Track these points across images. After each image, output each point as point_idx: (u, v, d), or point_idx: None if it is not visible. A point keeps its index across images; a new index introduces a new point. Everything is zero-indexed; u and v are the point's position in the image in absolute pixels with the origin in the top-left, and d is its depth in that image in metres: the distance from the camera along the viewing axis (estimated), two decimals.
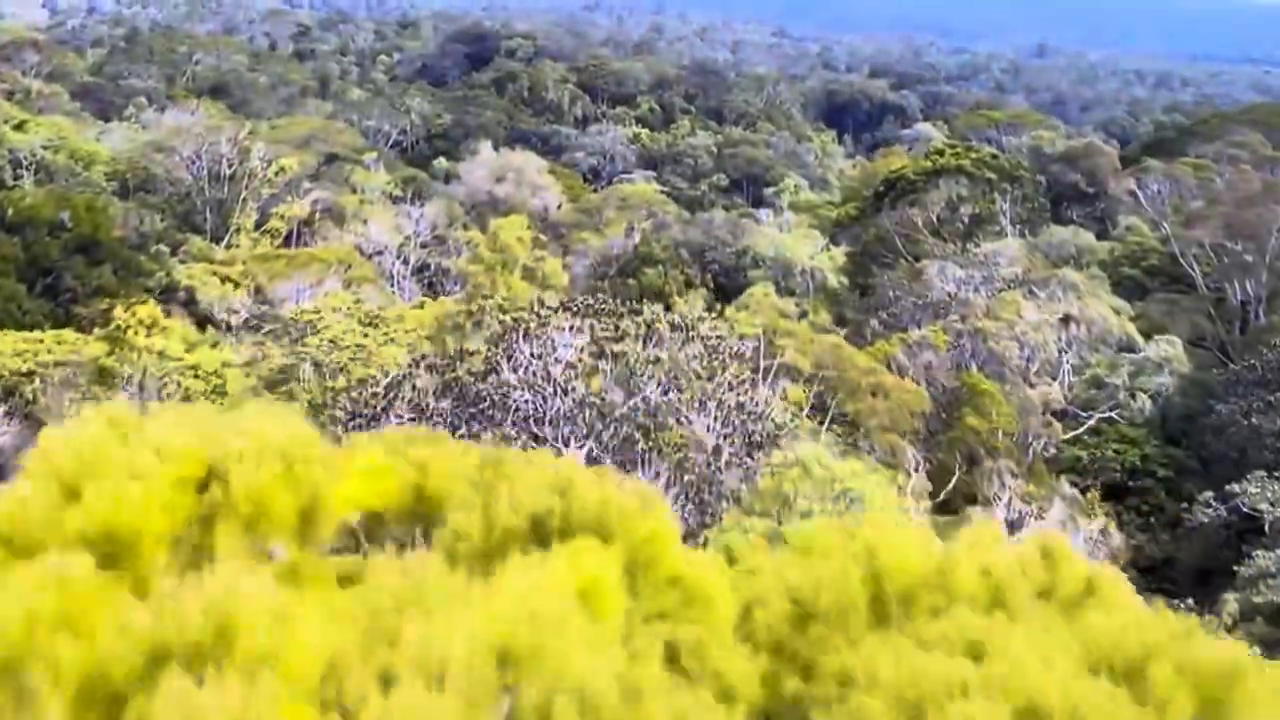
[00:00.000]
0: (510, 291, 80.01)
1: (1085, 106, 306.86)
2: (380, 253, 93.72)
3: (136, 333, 37.96)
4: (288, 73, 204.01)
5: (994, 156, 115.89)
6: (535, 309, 41.03)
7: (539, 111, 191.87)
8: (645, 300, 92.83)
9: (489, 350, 39.46)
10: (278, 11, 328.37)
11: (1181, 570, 65.91)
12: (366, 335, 55.00)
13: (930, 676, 11.78)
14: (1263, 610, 52.57)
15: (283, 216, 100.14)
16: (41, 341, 52.23)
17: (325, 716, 9.84)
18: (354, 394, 44.10)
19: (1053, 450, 70.06)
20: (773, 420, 41.99)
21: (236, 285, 78.78)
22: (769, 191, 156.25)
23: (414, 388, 40.00)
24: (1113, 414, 74.53)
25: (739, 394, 41.00)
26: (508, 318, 40.14)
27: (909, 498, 41.76)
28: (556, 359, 38.79)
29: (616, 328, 40.52)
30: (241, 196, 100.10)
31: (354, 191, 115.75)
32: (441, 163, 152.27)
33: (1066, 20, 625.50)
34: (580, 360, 38.75)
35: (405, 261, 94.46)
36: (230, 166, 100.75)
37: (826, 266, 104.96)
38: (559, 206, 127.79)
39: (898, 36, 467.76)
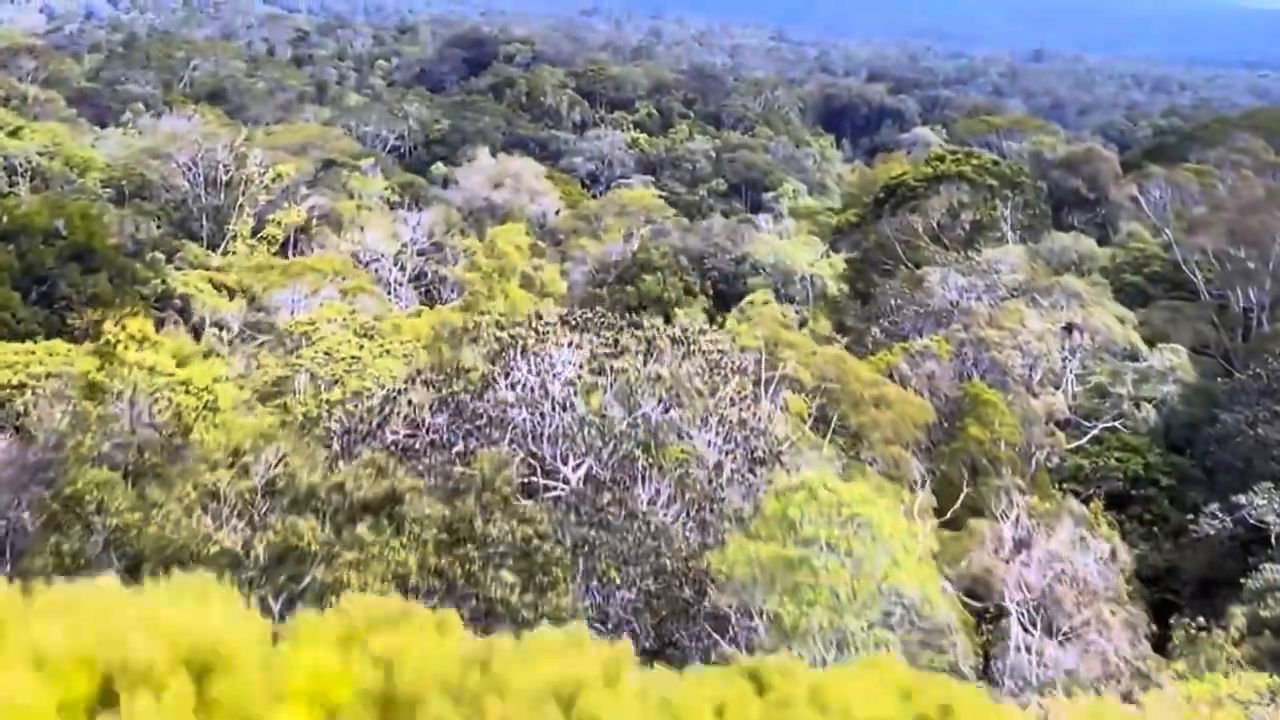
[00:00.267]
0: (508, 300, 79.46)
1: (1083, 110, 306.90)
2: (377, 260, 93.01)
3: (127, 347, 37.23)
4: (285, 78, 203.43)
5: (995, 163, 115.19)
6: (533, 324, 40.29)
7: (537, 117, 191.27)
8: (644, 308, 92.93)
9: (487, 368, 38.77)
10: (275, 17, 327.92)
11: (1185, 580, 65.28)
12: (362, 347, 54.30)
13: None
14: (1270, 624, 51.78)
15: (279, 223, 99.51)
16: (33, 353, 51.64)
17: None
18: (349, 406, 43.44)
19: (1056, 460, 69.40)
20: (775, 436, 41.31)
21: (232, 294, 78.14)
22: (768, 196, 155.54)
23: (409, 403, 39.33)
24: (1117, 423, 73.83)
25: (741, 409, 40.33)
26: (505, 334, 39.38)
27: (915, 518, 41.11)
28: (555, 374, 38.11)
29: (616, 342, 39.83)
30: (238, 203, 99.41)
31: (351, 197, 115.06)
32: (439, 168, 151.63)
33: (1063, 24, 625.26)
34: (580, 377, 38.07)
35: (402, 269, 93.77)
36: (227, 173, 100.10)
37: (826, 273, 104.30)
38: (557, 213, 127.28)
39: (895, 41, 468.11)
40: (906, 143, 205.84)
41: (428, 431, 38.20)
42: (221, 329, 70.11)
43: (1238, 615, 52.81)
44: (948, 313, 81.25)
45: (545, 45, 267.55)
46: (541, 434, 37.81)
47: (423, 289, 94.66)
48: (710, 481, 38.77)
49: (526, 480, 37.50)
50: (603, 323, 41.66)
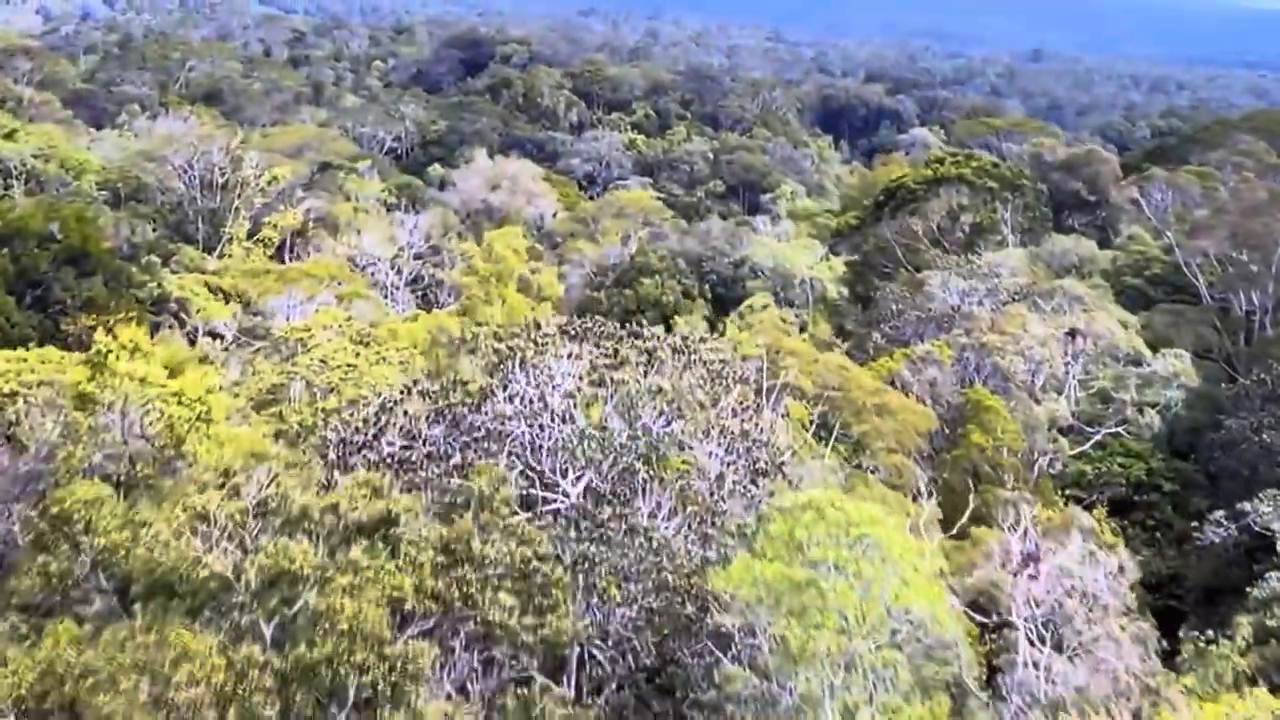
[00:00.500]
0: (505, 304, 78.87)
1: (1081, 111, 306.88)
2: (374, 263, 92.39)
3: (118, 357, 36.56)
4: (281, 79, 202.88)
5: (995, 165, 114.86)
6: (532, 335, 39.59)
7: (534, 118, 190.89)
8: (642, 311, 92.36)
9: (484, 381, 38.11)
10: (272, 17, 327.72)
11: (1188, 588, 64.69)
12: (358, 354, 53.68)
13: None
14: (1277, 634, 51.19)
15: (275, 226, 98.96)
16: (25, 360, 50.88)
17: None
18: (345, 415, 42.79)
19: (1059, 467, 68.85)
20: (777, 447, 40.68)
21: (228, 298, 77.52)
22: (766, 198, 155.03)
23: (405, 413, 38.67)
24: (1120, 429, 73.28)
25: (743, 420, 39.70)
26: (503, 346, 38.71)
27: (922, 531, 40.50)
28: (555, 386, 37.46)
29: (616, 352, 39.18)
30: (234, 205, 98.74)
31: (348, 200, 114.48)
32: (436, 169, 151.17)
33: (1061, 24, 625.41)
34: (579, 390, 37.41)
35: (399, 272, 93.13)
36: (223, 175, 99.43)
37: (826, 277, 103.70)
38: (554, 215, 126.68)
39: (893, 41, 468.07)
40: (905, 144, 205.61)
41: (424, 443, 37.56)
42: (216, 337, 69.43)
43: (1244, 625, 52.10)
44: (949, 317, 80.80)
45: (542, 46, 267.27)
46: (540, 447, 37.16)
47: (420, 292, 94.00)
48: (712, 494, 38.15)
49: (525, 492, 36.90)
50: (602, 332, 41.00)
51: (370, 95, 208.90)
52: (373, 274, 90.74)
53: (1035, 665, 35.50)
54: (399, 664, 28.39)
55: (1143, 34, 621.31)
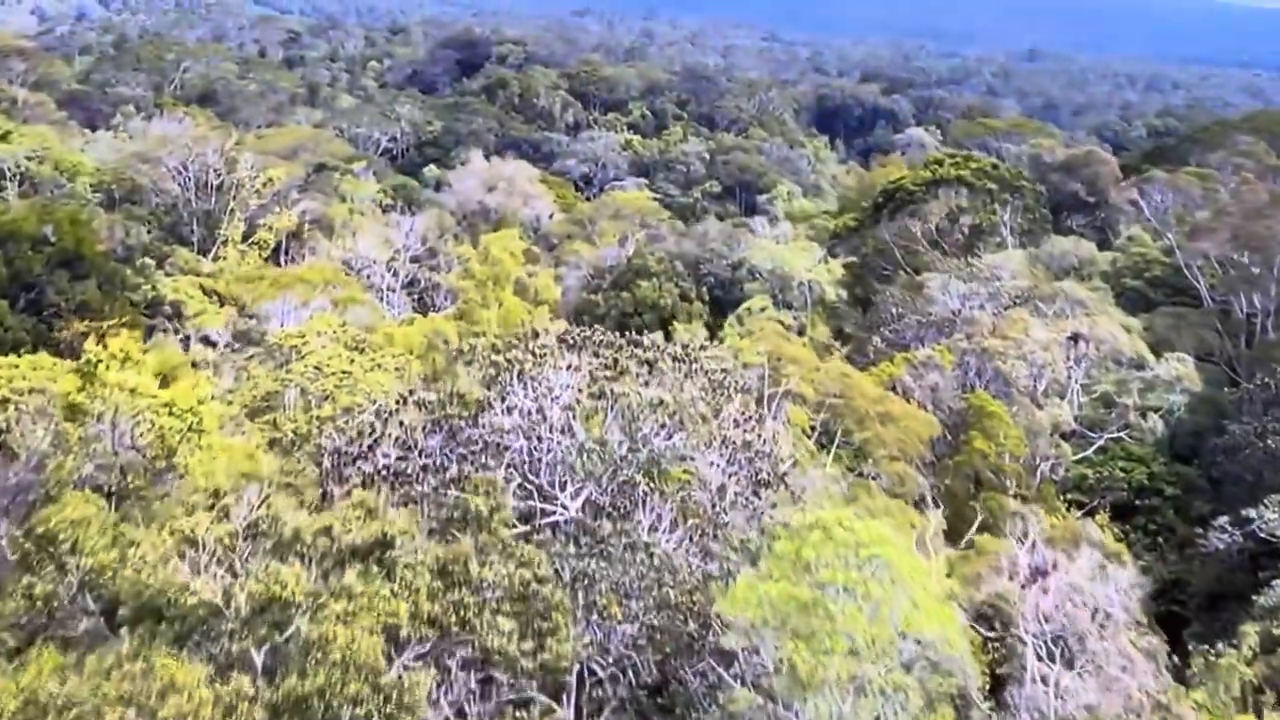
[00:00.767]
0: (502, 308, 78.29)
1: (1077, 111, 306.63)
2: (369, 266, 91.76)
3: (108, 367, 35.91)
4: (277, 80, 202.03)
5: (994, 166, 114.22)
6: (530, 346, 38.85)
7: (530, 118, 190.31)
8: (640, 314, 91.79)
9: (482, 394, 37.40)
10: (267, 18, 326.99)
11: (1191, 593, 64.17)
12: (353, 361, 52.99)
13: None
14: None
15: (270, 228, 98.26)
16: (17, 367, 50.24)
17: None
18: (340, 423, 42.16)
19: (1061, 473, 68.31)
20: (779, 457, 40.02)
21: (223, 302, 76.88)
22: (762, 198, 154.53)
23: (401, 424, 38.00)
24: (1123, 434, 72.75)
25: (745, 430, 39.03)
26: (501, 358, 37.99)
27: (928, 544, 39.92)
28: (554, 398, 36.77)
29: (615, 362, 38.49)
30: (229, 208, 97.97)
31: (343, 201, 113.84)
32: (432, 170, 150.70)
33: (1056, 23, 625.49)
34: (578, 402, 36.73)
35: (395, 275, 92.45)
36: (218, 177, 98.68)
37: (824, 279, 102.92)
38: (551, 217, 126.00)
39: (888, 40, 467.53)
40: (901, 144, 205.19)
41: (421, 455, 36.88)
42: (211, 344, 68.74)
43: (1250, 634, 51.54)
44: (950, 321, 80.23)
45: (538, 46, 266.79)
46: (539, 460, 36.48)
47: (416, 295, 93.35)
48: (713, 506, 37.49)
49: (524, 502, 36.27)
50: (601, 341, 40.30)
51: (366, 96, 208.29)
52: (368, 277, 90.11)
53: (1044, 681, 34.87)
54: (394, 695, 27.46)
55: (1137, 33, 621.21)
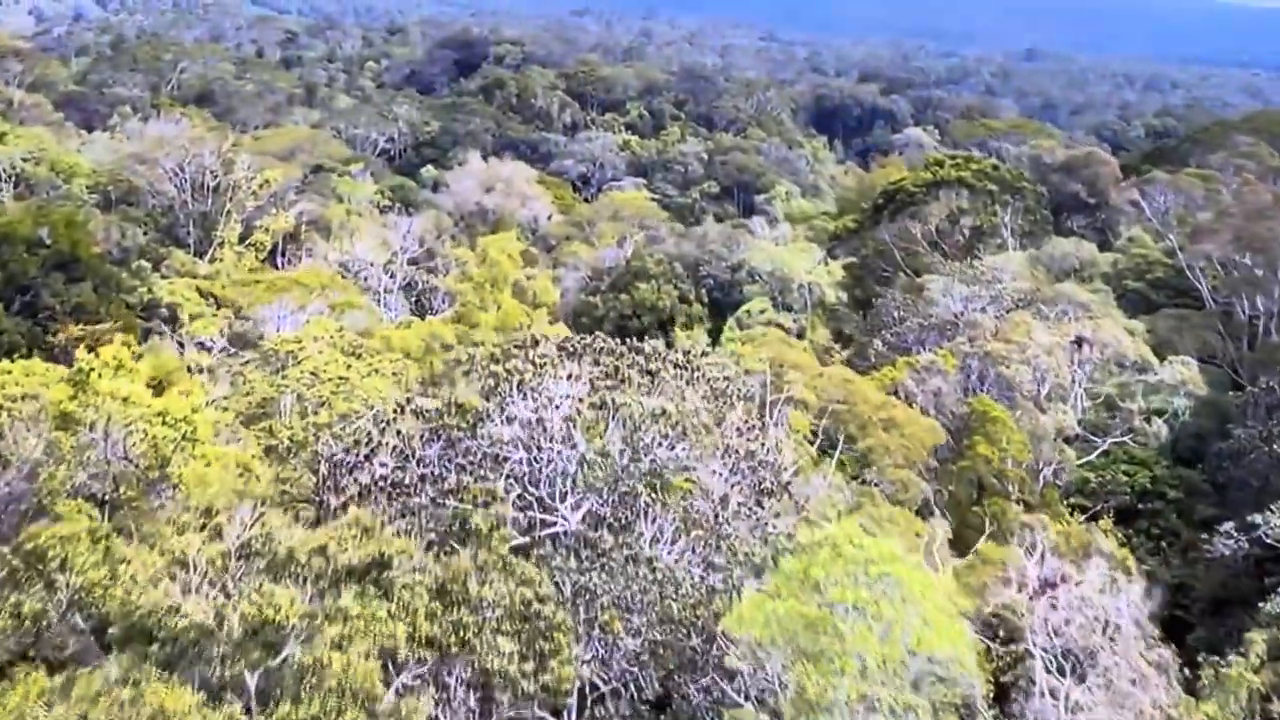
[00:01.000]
0: (500, 311, 77.70)
1: (1076, 110, 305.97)
2: (367, 268, 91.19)
3: (100, 375, 35.34)
4: (274, 80, 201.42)
5: (995, 167, 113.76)
6: (529, 355, 38.20)
7: (528, 119, 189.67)
8: (639, 316, 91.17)
9: (481, 405, 36.79)
10: (265, 18, 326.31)
11: (1195, 597, 63.60)
12: (350, 366, 52.36)
13: None
14: None
15: (267, 230, 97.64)
16: (10, 373, 49.65)
17: None
18: (336, 430, 41.58)
19: (1065, 478, 67.76)
20: (782, 465, 39.44)
21: (219, 304, 76.34)
22: (761, 199, 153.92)
23: (399, 433, 37.39)
24: (1126, 438, 72.23)
25: (748, 439, 38.43)
26: (500, 368, 37.36)
27: (936, 557, 39.37)
28: (554, 408, 36.16)
29: (616, 370, 37.88)
30: (226, 209, 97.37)
31: (340, 202, 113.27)
32: (430, 171, 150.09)
33: (1055, 23, 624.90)
34: (579, 412, 36.11)
35: (392, 276, 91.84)
36: (214, 178, 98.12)
37: (824, 281, 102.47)
38: (549, 218, 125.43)
39: (886, 40, 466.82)
40: (899, 144, 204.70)
41: (419, 464, 36.26)
42: (206, 348, 68.12)
43: (1257, 641, 50.98)
44: (951, 324, 79.63)
45: (536, 46, 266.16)
46: (539, 471, 35.87)
47: (414, 297, 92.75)
48: (716, 516, 36.87)
49: (523, 513, 35.69)
50: (602, 349, 39.66)
51: (363, 96, 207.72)
52: (365, 279, 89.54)
53: (1053, 695, 34.31)
54: None
55: (1137, 33, 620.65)
